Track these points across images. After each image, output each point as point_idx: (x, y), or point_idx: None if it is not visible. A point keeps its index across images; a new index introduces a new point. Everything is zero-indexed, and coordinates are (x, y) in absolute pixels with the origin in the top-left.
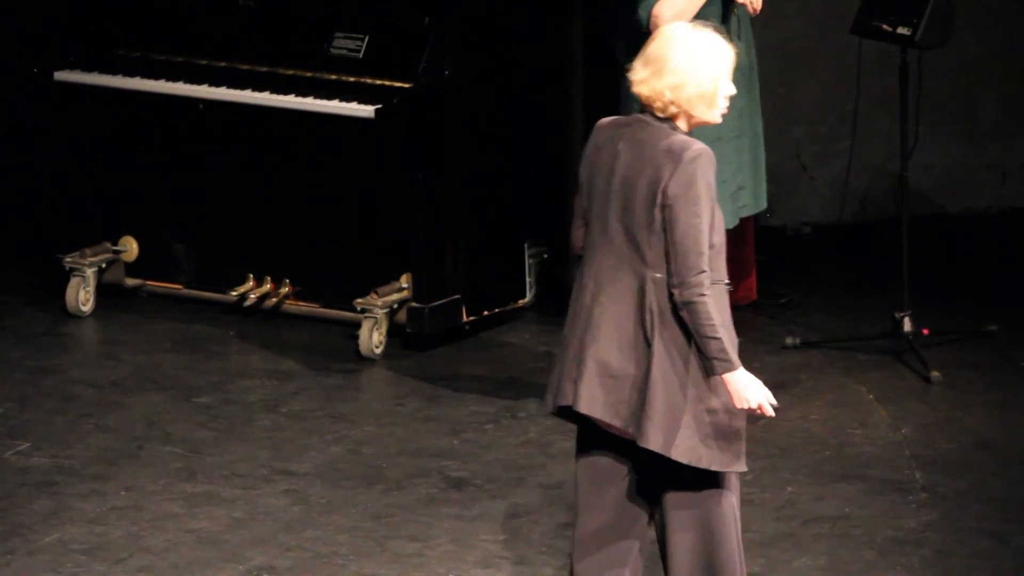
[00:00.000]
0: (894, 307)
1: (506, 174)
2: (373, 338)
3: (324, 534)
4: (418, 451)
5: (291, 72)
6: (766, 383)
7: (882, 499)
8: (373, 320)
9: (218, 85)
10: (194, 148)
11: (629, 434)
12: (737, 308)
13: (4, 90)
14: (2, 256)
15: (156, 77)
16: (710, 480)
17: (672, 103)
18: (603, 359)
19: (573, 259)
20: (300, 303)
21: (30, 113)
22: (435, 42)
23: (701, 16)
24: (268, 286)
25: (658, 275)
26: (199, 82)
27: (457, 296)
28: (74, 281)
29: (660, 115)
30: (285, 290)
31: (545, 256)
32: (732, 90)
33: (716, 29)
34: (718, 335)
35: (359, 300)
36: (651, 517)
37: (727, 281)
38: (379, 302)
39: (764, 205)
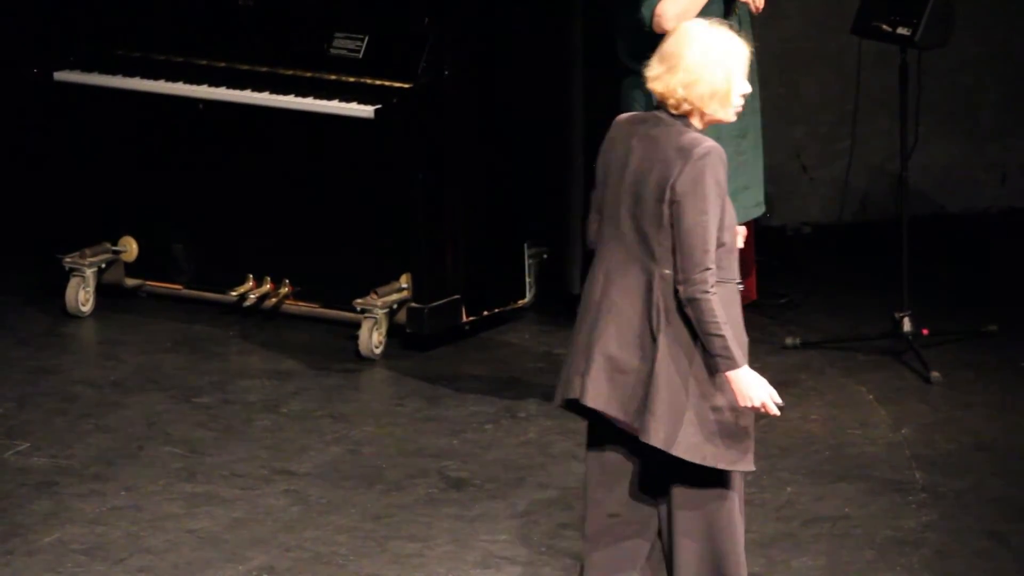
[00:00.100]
0: (894, 307)
1: (506, 174)
2: (373, 338)
3: (324, 534)
4: (418, 451)
5: (291, 72)
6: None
7: (882, 499)
8: (373, 320)
9: (218, 85)
10: (194, 148)
11: (635, 429)
12: None
13: (4, 90)
14: (2, 256)
15: (156, 77)
16: (715, 479)
17: (685, 100)
18: (610, 353)
19: (588, 252)
20: (300, 303)
21: (30, 113)
22: (435, 42)
23: (703, 15)
24: (268, 286)
25: (666, 271)
26: (199, 82)
27: (457, 296)
28: (74, 281)
29: (674, 112)
30: (285, 290)
31: (545, 256)
32: (747, 89)
33: (730, 27)
34: (722, 332)
35: (359, 300)
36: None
37: (739, 280)
38: (379, 302)
39: (763, 208)
